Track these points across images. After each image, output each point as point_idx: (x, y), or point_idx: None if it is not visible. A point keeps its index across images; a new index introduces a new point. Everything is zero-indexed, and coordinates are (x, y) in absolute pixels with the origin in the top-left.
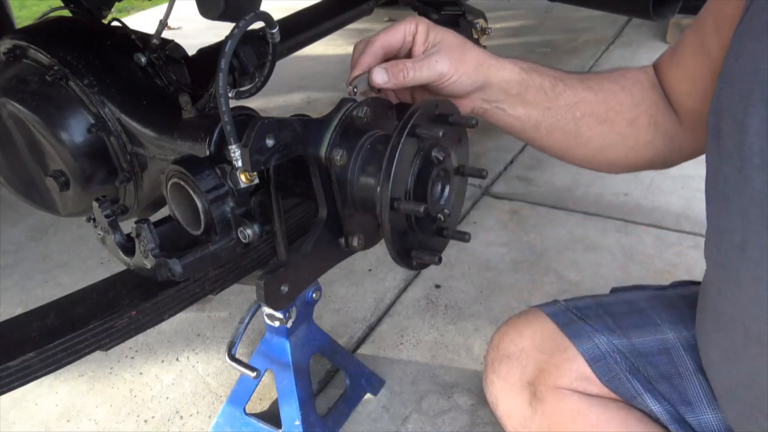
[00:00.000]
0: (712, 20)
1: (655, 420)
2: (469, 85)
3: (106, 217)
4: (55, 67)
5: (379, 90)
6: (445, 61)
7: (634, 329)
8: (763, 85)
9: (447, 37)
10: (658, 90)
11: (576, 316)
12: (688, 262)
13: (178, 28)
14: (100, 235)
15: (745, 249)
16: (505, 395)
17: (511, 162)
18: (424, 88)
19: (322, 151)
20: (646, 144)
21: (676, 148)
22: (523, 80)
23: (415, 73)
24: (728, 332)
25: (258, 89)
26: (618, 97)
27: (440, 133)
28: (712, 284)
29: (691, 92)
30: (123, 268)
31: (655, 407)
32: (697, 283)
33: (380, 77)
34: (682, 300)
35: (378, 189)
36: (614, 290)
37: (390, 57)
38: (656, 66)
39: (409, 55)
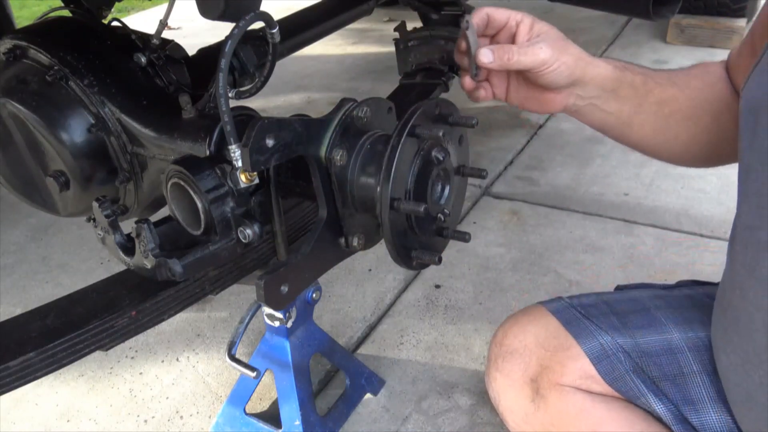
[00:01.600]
0: (766, 21)
1: (658, 420)
2: (567, 77)
3: (106, 217)
4: (55, 67)
5: (476, 73)
6: (548, 50)
7: (639, 328)
8: None
9: (551, 30)
10: None
11: (580, 313)
12: (689, 262)
13: (178, 28)
14: (100, 235)
15: None
16: (507, 391)
17: (511, 162)
18: (522, 76)
19: (322, 151)
20: (730, 139)
21: None
22: (617, 77)
23: (519, 57)
24: (750, 335)
25: (258, 89)
26: (703, 94)
27: (440, 133)
28: (735, 285)
29: None
30: (123, 268)
31: (659, 407)
32: (702, 283)
33: (486, 57)
34: (688, 300)
35: (378, 189)
36: (619, 288)
37: (492, 34)
38: (726, 66)
39: (511, 41)
